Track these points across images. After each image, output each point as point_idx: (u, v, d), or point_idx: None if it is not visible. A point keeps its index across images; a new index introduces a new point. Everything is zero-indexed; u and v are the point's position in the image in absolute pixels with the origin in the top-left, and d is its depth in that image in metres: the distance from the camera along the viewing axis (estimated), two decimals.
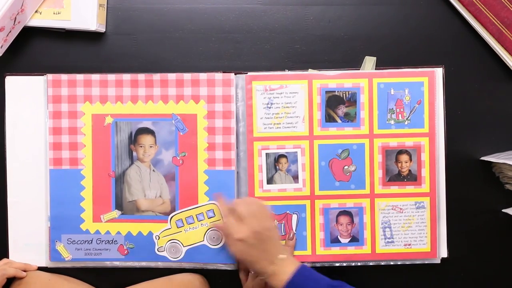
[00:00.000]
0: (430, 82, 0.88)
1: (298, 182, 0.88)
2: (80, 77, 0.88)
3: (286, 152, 0.88)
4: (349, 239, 0.88)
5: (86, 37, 0.90)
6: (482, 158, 0.89)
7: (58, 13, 0.87)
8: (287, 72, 0.88)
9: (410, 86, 0.87)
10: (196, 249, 0.88)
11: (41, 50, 0.90)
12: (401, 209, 0.88)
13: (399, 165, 0.88)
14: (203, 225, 0.88)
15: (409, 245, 0.88)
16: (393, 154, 0.88)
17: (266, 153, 0.88)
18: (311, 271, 0.79)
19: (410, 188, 0.88)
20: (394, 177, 0.88)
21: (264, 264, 0.79)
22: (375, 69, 0.89)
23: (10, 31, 0.86)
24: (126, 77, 0.88)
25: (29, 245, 0.89)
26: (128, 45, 0.90)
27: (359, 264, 0.89)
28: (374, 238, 0.88)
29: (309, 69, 0.89)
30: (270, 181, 0.88)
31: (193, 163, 0.88)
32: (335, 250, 0.88)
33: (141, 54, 0.90)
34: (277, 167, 0.88)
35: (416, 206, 0.88)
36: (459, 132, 0.90)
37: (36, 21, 0.88)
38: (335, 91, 0.88)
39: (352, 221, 0.88)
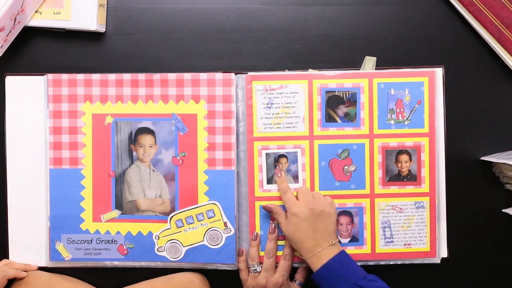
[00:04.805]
0: (430, 82, 0.88)
1: (298, 182, 0.88)
2: (80, 76, 0.88)
3: (286, 152, 0.88)
4: (349, 239, 0.88)
5: (86, 37, 0.90)
6: (482, 158, 0.89)
7: (58, 13, 0.87)
8: (287, 72, 0.88)
9: (410, 86, 0.87)
10: (196, 249, 0.88)
11: (41, 50, 0.90)
12: (401, 209, 0.88)
13: (399, 165, 0.88)
14: (203, 225, 0.88)
15: (409, 245, 0.88)
16: (393, 154, 0.88)
17: (266, 153, 0.88)
18: (349, 259, 0.81)
19: (410, 188, 0.88)
20: (394, 177, 0.88)
21: (312, 244, 0.81)
22: (375, 69, 0.89)
23: (10, 31, 0.86)
24: (126, 77, 0.88)
25: (29, 245, 0.89)
26: (128, 45, 0.90)
27: (359, 264, 0.88)
28: (374, 238, 0.88)
29: (309, 69, 0.89)
30: (270, 181, 0.88)
31: (193, 163, 0.87)
32: None
33: (141, 54, 0.90)
34: (277, 167, 0.88)
35: (416, 206, 0.88)
36: (459, 132, 0.90)
37: (36, 21, 0.88)
38: (335, 91, 0.88)
39: (352, 221, 0.88)
